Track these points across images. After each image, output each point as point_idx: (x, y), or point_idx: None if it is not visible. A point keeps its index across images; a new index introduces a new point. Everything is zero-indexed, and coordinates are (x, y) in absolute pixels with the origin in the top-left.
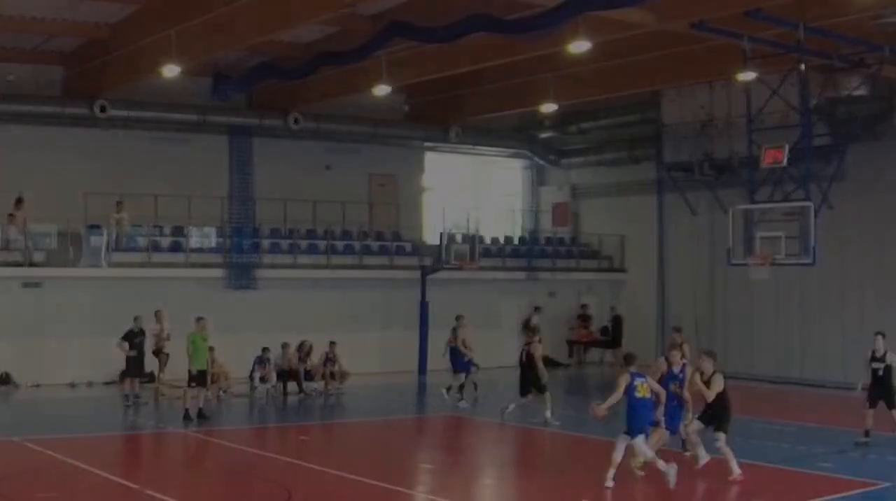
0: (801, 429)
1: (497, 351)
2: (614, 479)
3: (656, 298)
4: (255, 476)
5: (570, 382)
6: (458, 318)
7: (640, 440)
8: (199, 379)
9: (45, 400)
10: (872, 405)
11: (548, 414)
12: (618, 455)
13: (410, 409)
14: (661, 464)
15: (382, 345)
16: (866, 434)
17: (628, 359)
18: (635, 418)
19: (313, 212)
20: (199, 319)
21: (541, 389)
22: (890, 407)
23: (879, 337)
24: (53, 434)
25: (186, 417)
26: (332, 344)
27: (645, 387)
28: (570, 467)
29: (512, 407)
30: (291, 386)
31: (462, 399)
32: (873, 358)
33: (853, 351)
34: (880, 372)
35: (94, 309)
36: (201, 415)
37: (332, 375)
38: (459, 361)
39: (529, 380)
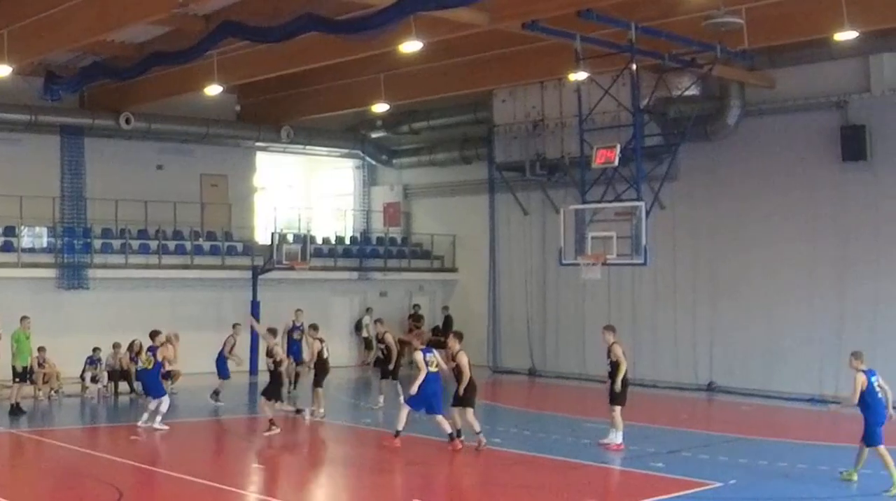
0: (632, 429)
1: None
2: None
3: (488, 298)
4: (86, 476)
5: (401, 381)
6: (234, 326)
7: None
8: (22, 375)
9: None
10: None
11: (321, 409)
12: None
13: (242, 409)
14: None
15: (214, 346)
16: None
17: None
18: None
19: (145, 212)
20: (23, 318)
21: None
22: (612, 403)
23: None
24: None
25: (15, 411)
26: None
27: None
28: (401, 467)
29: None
30: (123, 385)
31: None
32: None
33: (684, 350)
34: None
35: None
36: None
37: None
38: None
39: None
